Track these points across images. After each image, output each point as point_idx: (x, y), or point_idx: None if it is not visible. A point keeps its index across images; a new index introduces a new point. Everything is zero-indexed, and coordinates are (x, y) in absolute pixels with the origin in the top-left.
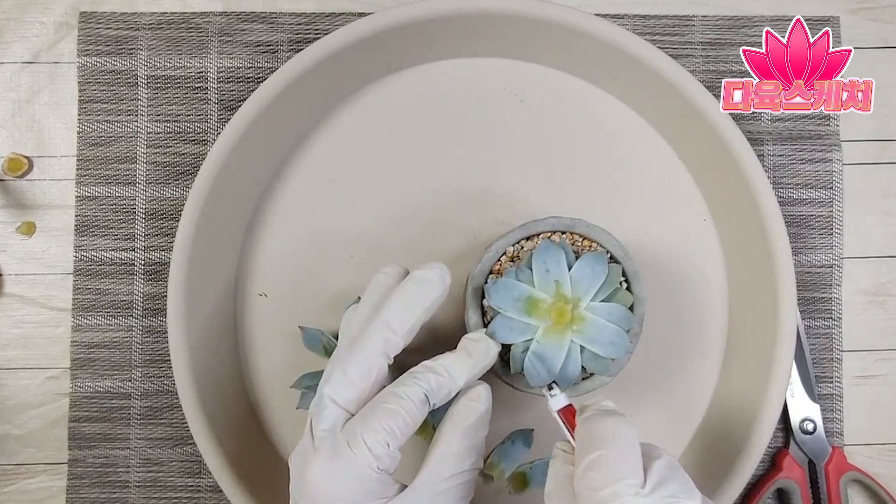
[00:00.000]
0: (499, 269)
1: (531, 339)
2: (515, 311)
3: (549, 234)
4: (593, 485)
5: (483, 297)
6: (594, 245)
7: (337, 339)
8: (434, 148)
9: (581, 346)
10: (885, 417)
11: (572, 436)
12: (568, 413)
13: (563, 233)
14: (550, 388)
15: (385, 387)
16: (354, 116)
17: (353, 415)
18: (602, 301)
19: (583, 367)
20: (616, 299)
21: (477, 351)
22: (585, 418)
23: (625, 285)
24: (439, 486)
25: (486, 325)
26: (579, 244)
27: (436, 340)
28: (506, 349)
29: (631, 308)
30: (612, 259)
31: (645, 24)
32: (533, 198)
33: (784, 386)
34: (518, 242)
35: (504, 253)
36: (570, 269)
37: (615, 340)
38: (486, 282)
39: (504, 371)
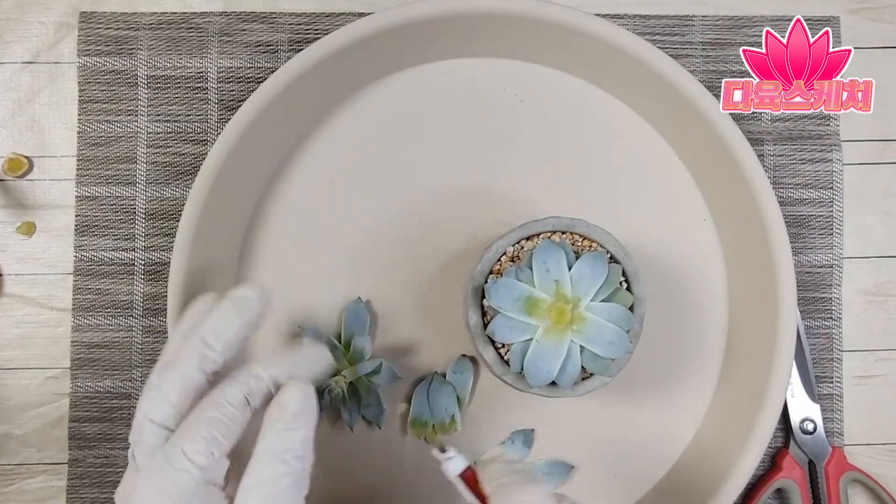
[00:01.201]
0: (499, 269)
1: (531, 339)
2: (515, 310)
3: (549, 234)
4: None
5: (483, 296)
6: (594, 245)
7: (337, 340)
8: (434, 148)
9: (581, 346)
10: (885, 417)
11: (479, 500)
12: (468, 476)
13: (564, 233)
14: (443, 451)
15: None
16: (354, 116)
17: (173, 431)
18: (602, 301)
19: (583, 367)
20: (616, 299)
21: (300, 352)
22: (498, 488)
23: (625, 285)
24: (265, 489)
25: (486, 325)
26: (579, 244)
27: (437, 337)
28: (506, 349)
29: (631, 308)
30: (612, 259)
31: (645, 24)
32: (533, 198)
33: (784, 386)
34: (518, 242)
35: (504, 253)
36: (570, 269)
37: (615, 340)
38: (486, 281)
39: (504, 371)
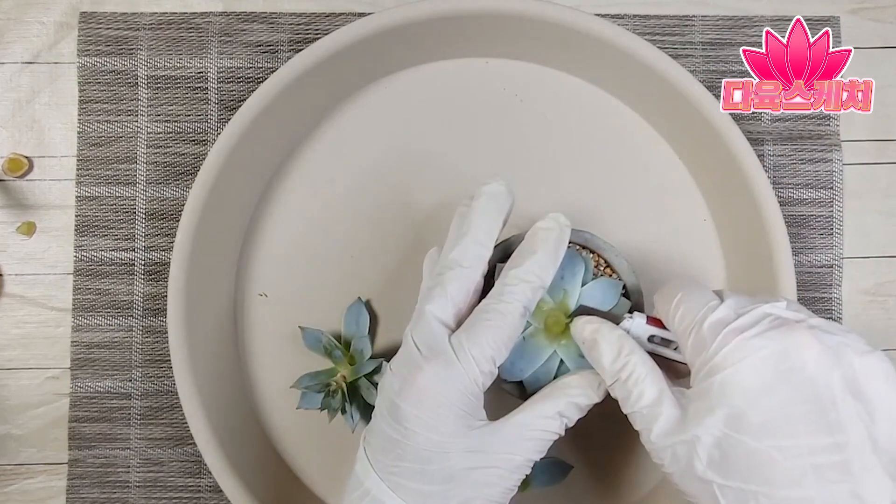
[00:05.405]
0: None
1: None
2: None
3: (579, 246)
4: (685, 318)
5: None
6: (614, 275)
7: (337, 340)
8: (434, 148)
9: (561, 360)
10: None
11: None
12: (655, 322)
13: (592, 252)
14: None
15: (480, 300)
16: (354, 116)
17: (453, 330)
18: None
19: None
20: None
21: (555, 241)
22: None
23: None
24: (524, 433)
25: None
26: (602, 267)
27: None
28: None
29: None
30: (625, 294)
31: (645, 24)
32: (533, 197)
33: None
34: None
35: None
36: (583, 285)
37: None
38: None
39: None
